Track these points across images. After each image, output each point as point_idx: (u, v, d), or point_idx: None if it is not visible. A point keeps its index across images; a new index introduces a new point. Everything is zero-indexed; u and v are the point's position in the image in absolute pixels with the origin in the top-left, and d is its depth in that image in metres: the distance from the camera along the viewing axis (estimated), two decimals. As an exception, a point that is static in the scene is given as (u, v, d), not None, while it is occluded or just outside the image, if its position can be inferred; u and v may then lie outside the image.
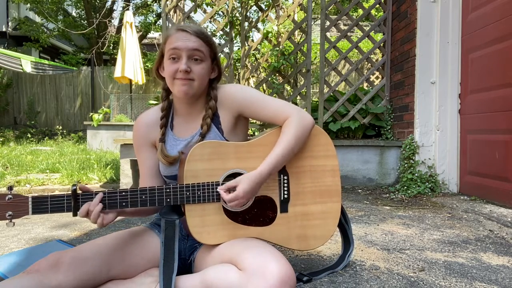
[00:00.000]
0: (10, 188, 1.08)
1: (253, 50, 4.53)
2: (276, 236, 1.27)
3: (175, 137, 1.33)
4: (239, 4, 4.29)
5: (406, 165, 3.41)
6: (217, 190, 1.17)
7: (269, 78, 4.30)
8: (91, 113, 7.65)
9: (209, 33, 1.52)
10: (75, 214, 1.09)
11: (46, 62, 9.82)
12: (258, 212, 1.25)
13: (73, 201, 1.09)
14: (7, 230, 2.16)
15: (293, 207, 1.30)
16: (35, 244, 1.86)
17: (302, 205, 1.31)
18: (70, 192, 1.09)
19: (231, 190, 1.16)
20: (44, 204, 1.07)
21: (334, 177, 1.36)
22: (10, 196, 1.06)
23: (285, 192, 1.29)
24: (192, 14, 4.38)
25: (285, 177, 1.29)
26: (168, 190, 1.15)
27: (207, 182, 1.18)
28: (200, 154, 1.18)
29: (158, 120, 1.34)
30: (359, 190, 3.45)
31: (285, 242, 1.28)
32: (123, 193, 1.12)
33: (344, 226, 1.49)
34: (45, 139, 9.53)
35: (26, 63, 8.20)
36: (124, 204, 1.13)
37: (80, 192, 1.10)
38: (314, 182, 1.33)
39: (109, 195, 1.12)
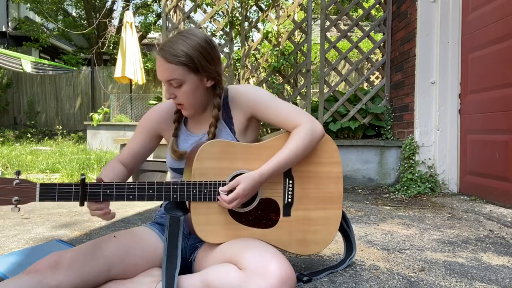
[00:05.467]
0: (18, 173, 1.06)
1: (253, 50, 4.53)
2: (277, 239, 1.27)
3: (187, 132, 1.35)
4: (239, 4, 4.29)
5: (406, 165, 3.41)
6: (219, 190, 1.17)
7: (269, 78, 4.30)
8: (91, 113, 7.66)
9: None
10: (81, 204, 1.08)
11: (46, 62, 9.82)
12: (261, 214, 1.25)
13: (81, 191, 1.08)
14: (7, 230, 2.16)
15: (296, 211, 1.30)
16: (35, 244, 1.86)
17: (305, 210, 1.31)
18: (79, 181, 1.08)
19: (233, 190, 1.16)
20: (52, 192, 1.06)
21: (338, 184, 1.36)
22: (17, 181, 1.04)
23: (289, 196, 1.29)
24: (192, 14, 4.38)
25: (290, 181, 1.29)
26: (175, 186, 1.15)
27: (214, 181, 1.18)
28: (209, 152, 1.18)
29: (172, 113, 1.36)
30: (359, 190, 3.45)
31: (285, 246, 1.29)
32: (131, 186, 1.12)
33: (346, 231, 1.50)
34: (45, 139, 9.53)
35: (26, 63, 8.20)
36: (131, 197, 1.12)
37: (88, 182, 1.10)
38: (318, 188, 1.33)
39: (117, 187, 1.11)
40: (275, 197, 1.27)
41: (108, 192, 1.10)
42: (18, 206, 1.05)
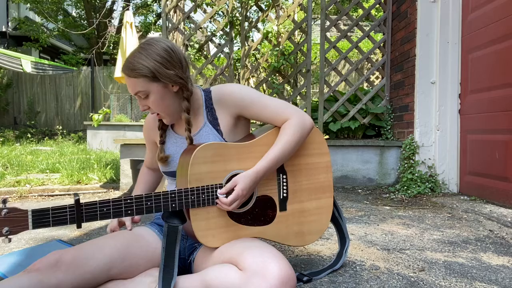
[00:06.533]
0: (4, 201, 0.99)
1: (253, 50, 4.53)
2: (276, 234, 1.28)
3: (176, 135, 1.35)
4: (239, 4, 4.29)
5: (406, 165, 3.41)
6: (217, 194, 1.17)
7: (269, 78, 4.30)
8: (91, 113, 7.66)
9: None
10: (79, 226, 1.06)
11: (46, 62, 9.82)
12: (259, 212, 1.26)
13: (76, 213, 1.04)
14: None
15: (291, 205, 1.31)
16: (35, 244, 1.86)
17: (299, 203, 1.33)
18: (73, 203, 1.05)
19: (230, 191, 1.16)
20: (46, 217, 1.02)
21: (327, 173, 1.39)
22: (6, 210, 0.96)
23: (284, 191, 1.30)
24: (192, 14, 4.38)
25: (284, 176, 1.30)
26: (173, 195, 1.14)
27: (210, 185, 1.17)
28: (203, 156, 1.17)
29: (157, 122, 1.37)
30: (359, 190, 3.45)
31: (284, 240, 1.30)
32: (128, 201, 1.11)
33: (338, 221, 1.50)
34: (45, 139, 9.53)
35: (26, 63, 8.20)
36: (129, 212, 1.11)
37: (83, 202, 1.07)
38: (310, 180, 1.35)
39: (114, 204, 1.09)
40: (270, 194, 1.28)
41: (105, 210, 1.08)
42: (9, 237, 0.98)
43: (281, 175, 1.29)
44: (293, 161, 1.31)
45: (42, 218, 1.02)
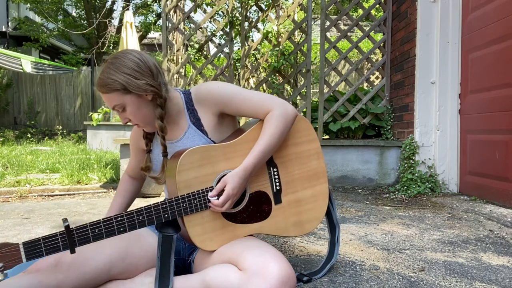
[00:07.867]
0: None
1: (253, 50, 4.52)
2: (275, 228, 1.28)
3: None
4: (239, 4, 4.29)
5: (406, 165, 3.41)
6: (208, 197, 1.16)
7: (269, 78, 4.30)
8: (91, 113, 7.66)
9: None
10: (72, 252, 1.05)
11: (46, 62, 9.83)
12: (254, 209, 1.25)
13: (68, 238, 1.04)
14: (7, 230, 2.16)
15: (286, 196, 1.31)
16: (35, 244, 1.86)
17: (294, 193, 1.32)
18: (63, 230, 1.04)
19: (221, 193, 1.16)
20: (38, 248, 1.01)
21: (319, 159, 1.38)
22: None
23: (277, 184, 1.30)
24: (192, 14, 4.38)
25: (275, 169, 1.30)
26: (164, 206, 1.13)
27: (201, 190, 1.17)
28: (189, 162, 1.16)
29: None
30: (359, 190, 3.45)
31: (283, 232, 1.30)
32: (119, 219, 1.10)
33: (328, 207, 1.46)
34: (45, 139, 9.53)
35: (26, 63, 8.20)
36: (122, 229, 1.10)
37: (73, 227, 1.06)
38: (301, 168, 1.34)
39: (105, 224, 1.08)
40: (263, 189, 1.27)
41: (97, 231, 1.07)
42: (5, 272, 0.99)
43: (271, 168, 1.29)
44: (281, 152, 1.30)
45: (34, 249, 1.02)
